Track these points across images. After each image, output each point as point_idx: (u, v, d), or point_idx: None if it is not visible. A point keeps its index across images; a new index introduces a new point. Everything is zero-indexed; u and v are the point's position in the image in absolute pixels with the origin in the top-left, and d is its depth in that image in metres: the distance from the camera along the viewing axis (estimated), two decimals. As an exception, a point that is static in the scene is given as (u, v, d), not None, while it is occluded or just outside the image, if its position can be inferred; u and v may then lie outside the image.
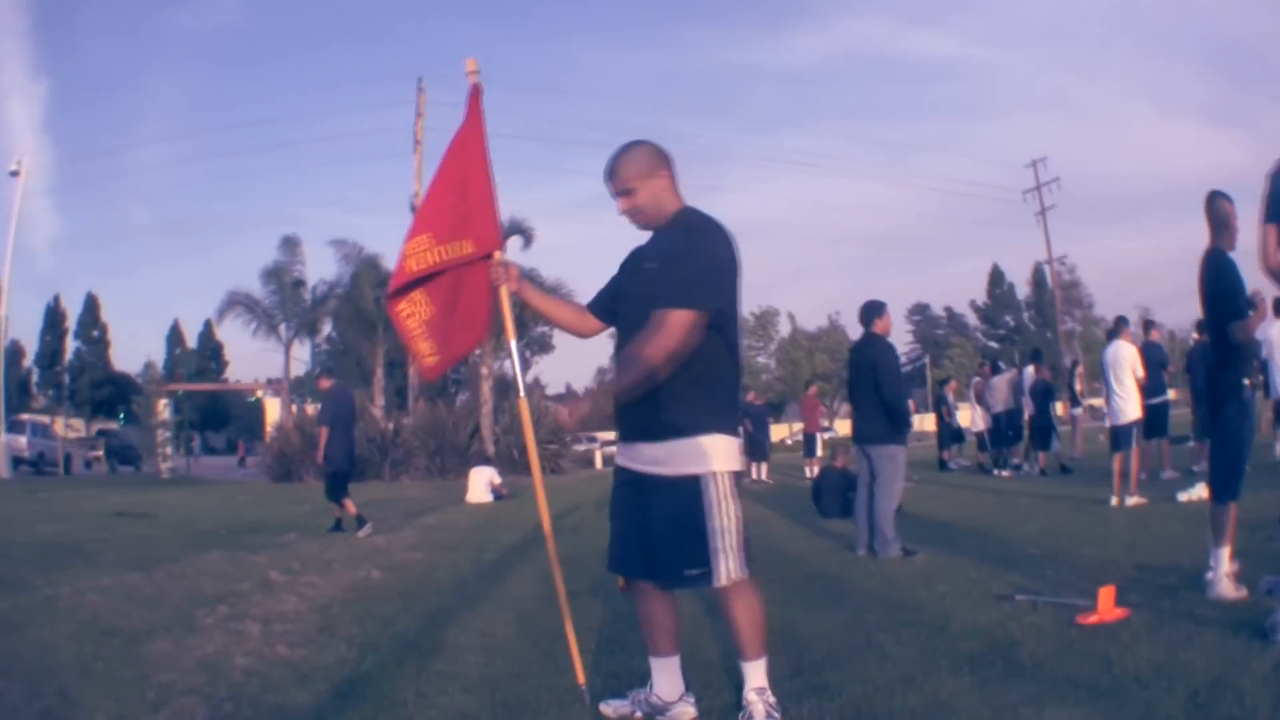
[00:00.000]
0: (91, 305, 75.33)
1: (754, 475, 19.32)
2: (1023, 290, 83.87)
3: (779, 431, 42.89)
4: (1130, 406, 9.77)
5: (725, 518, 3.17)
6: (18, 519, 13.15)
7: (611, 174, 3.40)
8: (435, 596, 6.34)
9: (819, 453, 19.00)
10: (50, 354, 72.94)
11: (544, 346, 45.52)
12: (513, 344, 3.92)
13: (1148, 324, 14.46)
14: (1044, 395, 15.42)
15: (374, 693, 3.87)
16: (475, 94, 3.87)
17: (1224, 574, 4.81)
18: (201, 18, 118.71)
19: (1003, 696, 3.37)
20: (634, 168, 3.37)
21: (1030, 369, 16.19)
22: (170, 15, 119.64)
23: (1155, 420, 11.60)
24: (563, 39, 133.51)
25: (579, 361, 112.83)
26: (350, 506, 11.11)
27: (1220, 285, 4.99)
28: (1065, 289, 64.63)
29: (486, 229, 3.77)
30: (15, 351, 62.62)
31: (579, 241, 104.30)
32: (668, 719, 3.39)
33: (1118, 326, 10.58)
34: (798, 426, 33.33)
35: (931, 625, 4.65)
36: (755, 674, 3.23)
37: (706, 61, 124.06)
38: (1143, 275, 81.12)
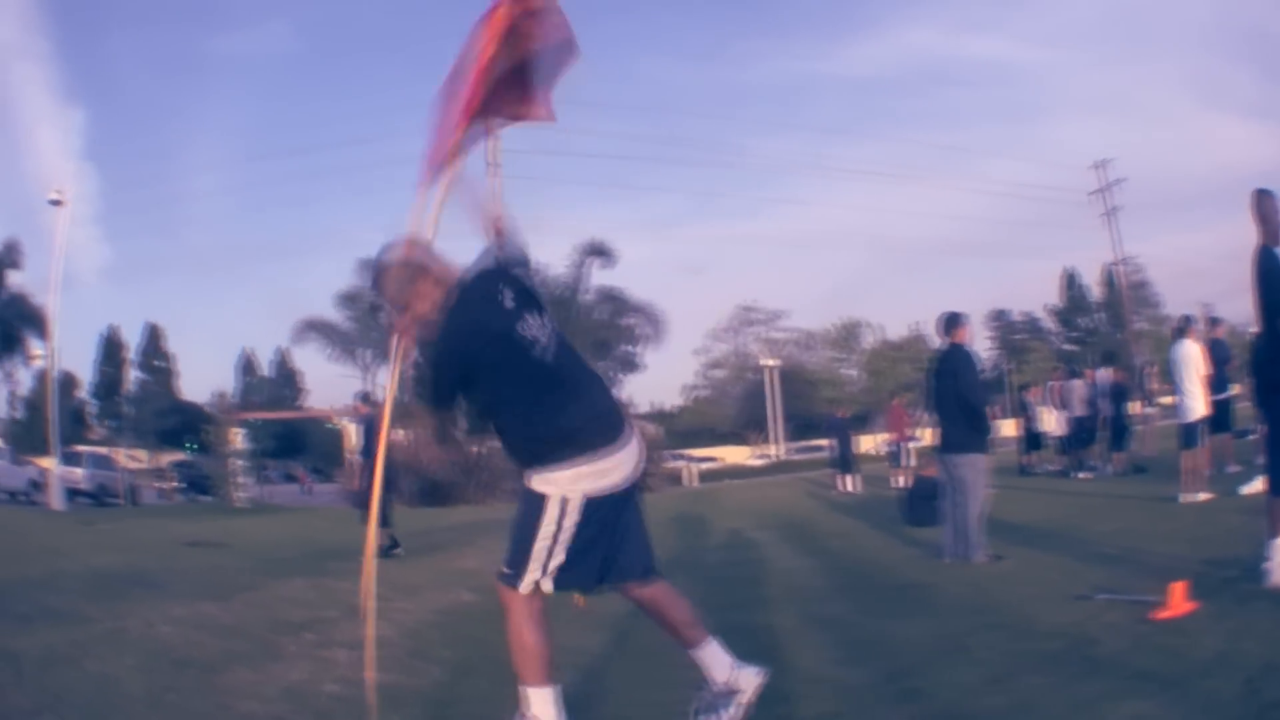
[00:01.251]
0: (153, 335, 75.71)
1: (841, 487, 19.45)
2: (1095, 292, 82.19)
3: (866, 442, 42.44)
4: (1197, 404, 9.93)
5: (548, 537, 3.18)
6: (72, 550, 11.57)
7: (382, 296, 3.33)
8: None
9: (906, 462, 19.02)
10: (108, 384, 72.86)
11: (631, 365, 43.34)
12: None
13: (1212, 320, 14.31)
14: (1119, 396, 15.54)
15: (468, 714, 3.92)
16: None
17: (1279, 563, 5.01)
18: (261, 43, 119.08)
19: (1082, 693, 3.59)
20: (396, 285, 3.27)
21: (1105, 371, 16.29)
22: (231, 41, 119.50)
23: (1220, 416, 11.53)
24: (627, 56, 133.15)
25: (667, 383, 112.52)
26: (384, 534, 10.76)
27: (1267, 281, 5.17)
28: (1134, 289, 63.13)
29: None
30: (68, 382, 62.05)
31: (655, 257, 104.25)
32: (739, 694, 3.32)
33: (1183, 326, 10.67)
34: (885, 437, 33.21)
35: (1016, 628, 4.85)
36: (527, 699, 3.24)
37: (767, 72, 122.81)
38: (1207, 271, 78.94)
